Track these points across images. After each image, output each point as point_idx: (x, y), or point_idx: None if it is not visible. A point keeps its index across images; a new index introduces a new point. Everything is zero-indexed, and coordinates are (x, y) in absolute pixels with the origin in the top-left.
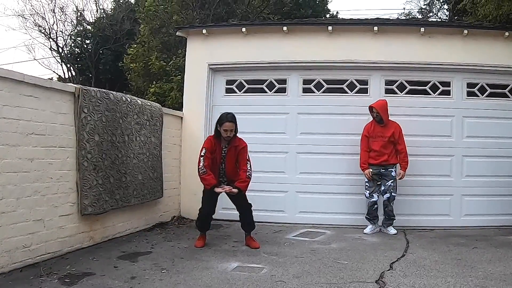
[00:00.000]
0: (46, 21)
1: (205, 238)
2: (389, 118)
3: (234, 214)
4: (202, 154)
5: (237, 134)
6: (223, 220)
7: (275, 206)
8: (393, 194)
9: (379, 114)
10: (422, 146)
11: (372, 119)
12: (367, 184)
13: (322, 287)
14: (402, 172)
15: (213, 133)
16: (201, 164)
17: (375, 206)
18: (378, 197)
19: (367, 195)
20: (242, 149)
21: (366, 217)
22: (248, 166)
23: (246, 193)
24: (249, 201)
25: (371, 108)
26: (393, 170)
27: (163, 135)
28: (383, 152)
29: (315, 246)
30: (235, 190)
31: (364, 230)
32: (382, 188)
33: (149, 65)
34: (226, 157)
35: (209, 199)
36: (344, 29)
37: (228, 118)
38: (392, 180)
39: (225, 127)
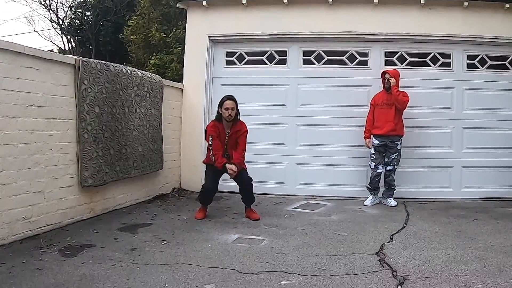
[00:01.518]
0: None
1: (205, 211)
2: (400, 88)
3: (234, 186)
4: (210, 142)
5: (240, 117)
6: (223, 192)
7: (275, 178)
8: (395, 166)
9: (391, 78)
10: (422, 118)
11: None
12: (373, 155)
13: (322, 259)
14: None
15: (213, 110)
16: (211, 153)
17: (379, 177)
18: (383, 168)
19: (372, 166)
20: (243, 134)
21: (367, 187)
22: (244, 153)
23: (247, 166)
24: (249, 175)
25: (384, 73)
26: (398, 143)
27: (163, 107)
28: (389, 120)
29: (315, 218)
30: (235, 168)
31: (364, 202)
32: (386, 160)
33: (149, 37)
34: (228, 141)
35: (213, 176)
36: (344, 0)
37: (228, 97)
38: (397, 154)
39: (226, 105)
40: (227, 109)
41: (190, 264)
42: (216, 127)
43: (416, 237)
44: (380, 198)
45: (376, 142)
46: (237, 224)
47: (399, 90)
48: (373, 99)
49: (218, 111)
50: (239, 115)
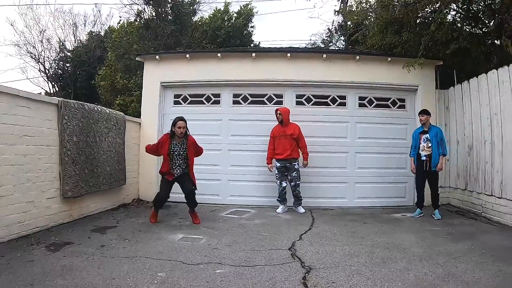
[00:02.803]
0: (36, 49)
1: (157, 215)
2: (290, 121)
3: (181, 197)
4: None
5: (189, 133)
6: (172, 202)
7: (211, 191)
8: (297, 182)
9: (281, 115)
10: (324, 145)
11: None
12: (277, 175)
13: (247, 253)
14: (305, 162)
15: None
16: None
17: (284, 190)
18: (286, 183)
19: (278, 183)
20: (194, 144)
21: (277, 199)
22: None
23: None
24: (194, 185)
25: (277, 110)
26: (296, 163)
27: (126, 136)
28: (286, 148)
29: (242, 222)
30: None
31: (277, 210)
32: (289, 177)
33: (115, 83)
34: (188, 152)
35: (166, 185)
36: (264, 55)
37: (180, 118)
38: (296, 172)
39: (178, 125)
40: (179, 127)
41: (146, 257)
42: (166, 140)
43: (319, 236)
44: (289, 207)
45: (278, 164)
46: (182, 226)
47: (291, 122)
48: (272, 131)
49: (171, 129)
50: (188, 131)
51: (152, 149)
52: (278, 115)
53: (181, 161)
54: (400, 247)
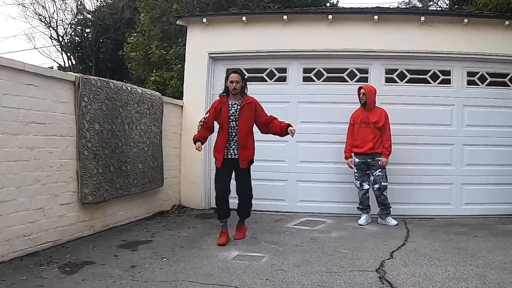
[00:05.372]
0: (46, 10)
1: (227, 234)
2: (377, 105)
3: (235, 204)
4: (206, 116)
5: (247, 91)
6: None
7: (275, 195)
8: (383, 183)
9: (365, 95)
10: (422, 135)
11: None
12: (356, 174)
13: (322, 276)
14: (384, 159)
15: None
16: (200, 122)
17: (367, 195)
18: (369, 185)
19: (357, 184)
20: (257, 107)
21: (358, 207)
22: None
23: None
24: (251, 188)
25: (360, 88)
26: (380, 159)
27: (163, 124)
28: (367, 139)
29: (315, 235)
30: (291, 129)
31: (359, 221)
32: (371, 178)
33: (149, 54)
34: (239, 117)
35: (221, 177)
36: (344, 17)
37: (234, 70)
38: (380, 170)
39: (231, 79)
40: (232, 82)
41: (190, 281)
42: (219, 101)
43: (416, 254)
44: (373, 216)
45: (357, 160)
46: (237, 241)
47: (377, 106)
48: (351, 117)
49: (225, 83)
50: (246, 89)
51: (206, 128)
52: (361, 95)
53: (236, 135)
54: None
